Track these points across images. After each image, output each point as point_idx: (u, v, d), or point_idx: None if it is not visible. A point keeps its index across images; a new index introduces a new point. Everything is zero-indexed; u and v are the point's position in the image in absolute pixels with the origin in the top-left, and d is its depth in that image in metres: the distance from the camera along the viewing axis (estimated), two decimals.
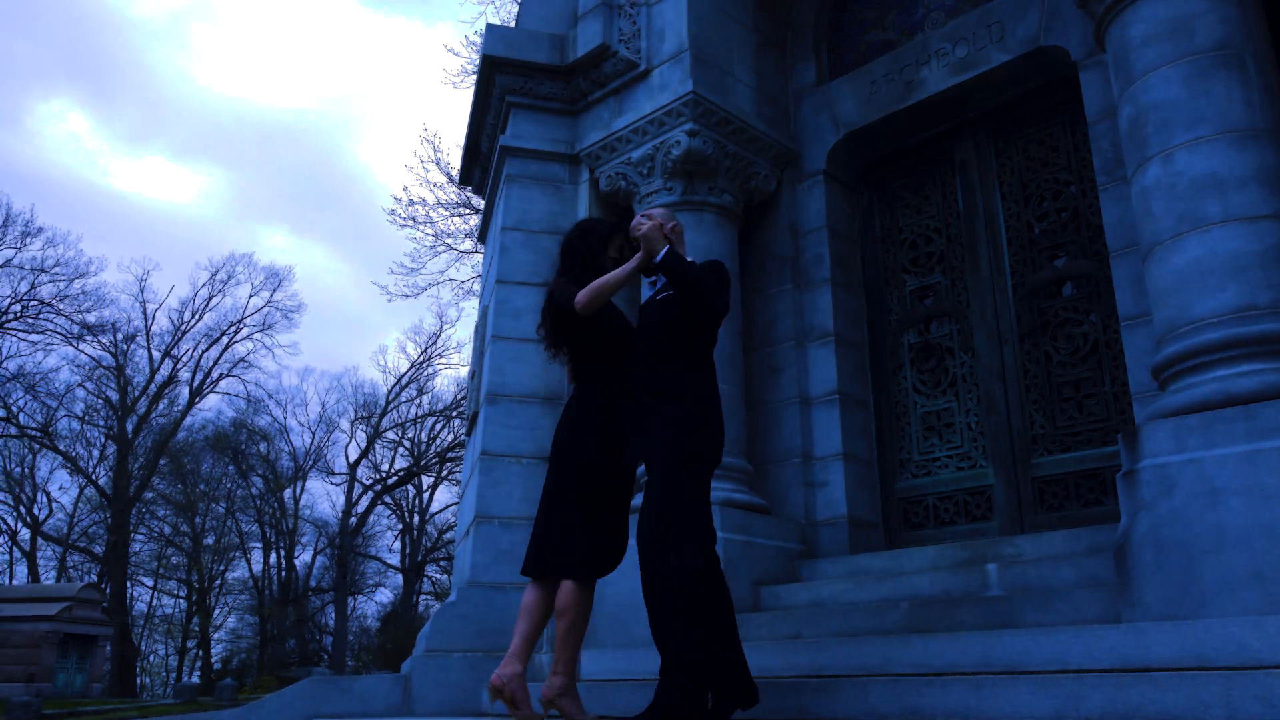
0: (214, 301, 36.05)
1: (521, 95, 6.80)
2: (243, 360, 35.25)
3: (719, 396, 3.55)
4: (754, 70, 6.73)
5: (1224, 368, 3.90)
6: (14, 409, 31.11)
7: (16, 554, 36.04)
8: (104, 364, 33.12)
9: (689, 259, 3.67)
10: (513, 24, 8.36)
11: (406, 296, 33.05)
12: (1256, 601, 3.53)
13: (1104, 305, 5.53)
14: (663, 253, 3.50)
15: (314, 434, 38.55)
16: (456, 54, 30.69)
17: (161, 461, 34.25)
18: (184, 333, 34.82)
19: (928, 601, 4.66)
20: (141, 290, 41.91)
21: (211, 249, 66.20)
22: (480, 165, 7.76)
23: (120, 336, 33.13)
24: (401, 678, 5.58)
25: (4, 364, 30.46)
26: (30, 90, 68.87)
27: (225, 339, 35.03)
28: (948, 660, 3.82)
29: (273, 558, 38.14)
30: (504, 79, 6.75)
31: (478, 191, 8.07)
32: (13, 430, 31.78)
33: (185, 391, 35.11)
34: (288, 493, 37.58)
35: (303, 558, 38.92)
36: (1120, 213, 5.16)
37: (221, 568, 37.90)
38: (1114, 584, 3.95)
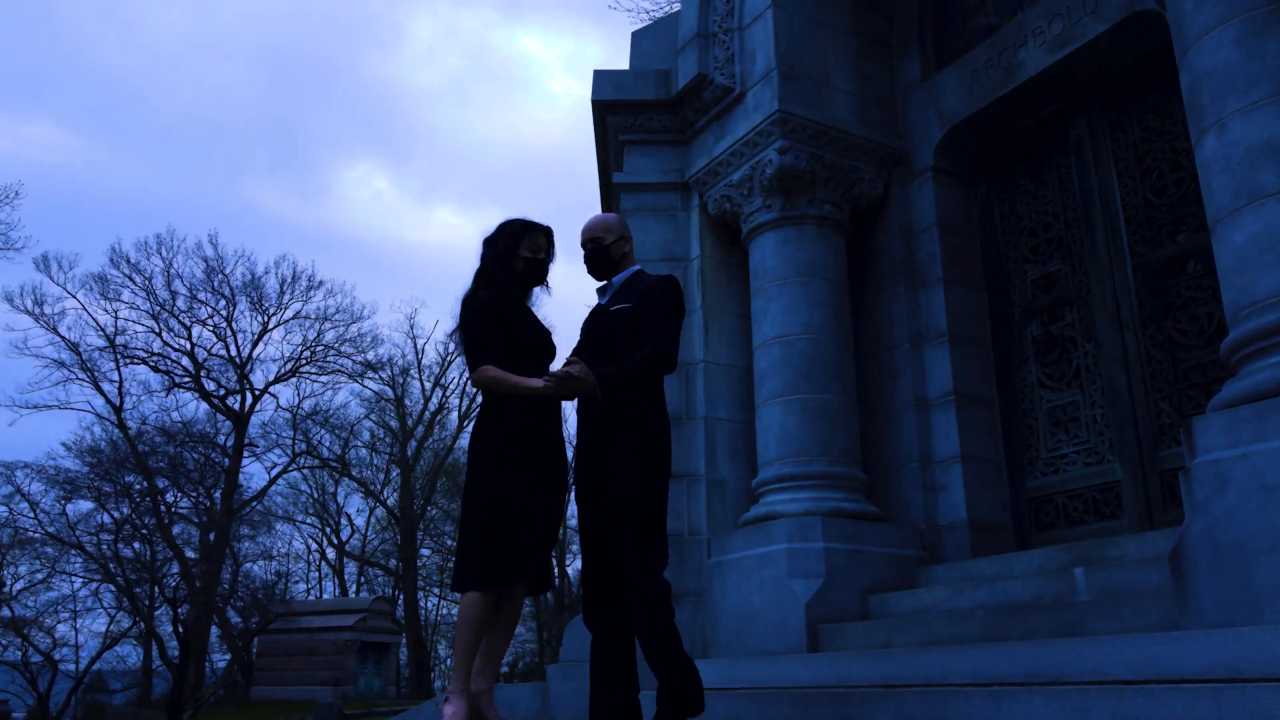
0: None
1: (633, 132, 7.15)
2: None
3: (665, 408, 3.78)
4: (855, 75, 6.70)
5: None
6: (314, 442, 35.16)
7: (325, 570, 40.72)
8: (385, 397, 36.77)
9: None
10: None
11: None
12: None
13: None
14: (595, 386, 3.42)
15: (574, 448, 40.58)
16: None
17: (440, 481, 37.42)
18: (449, 363, 37.90)
19: (1010, 609, 4.55)
20: (411, 327, 46.14)
21: None
22: (615, 199, 8.17)
23: (396, 370, 36.69)
24: (542, 686, 6.06)
25: (302, 404, 34.59)
26: (336, 161, 77.63)
27: None
28: (999, 671, 3.76)
29: None
30: (615, 119, 7.14)
31: None
32: (315, 461, 35.91)
33: (454, 416, 38.21)
34: None
35: (574, 565, 41.12)
36: None
37: None
38: (1171, 591, 3.73)
